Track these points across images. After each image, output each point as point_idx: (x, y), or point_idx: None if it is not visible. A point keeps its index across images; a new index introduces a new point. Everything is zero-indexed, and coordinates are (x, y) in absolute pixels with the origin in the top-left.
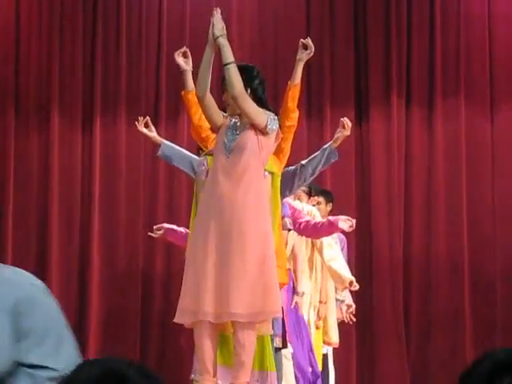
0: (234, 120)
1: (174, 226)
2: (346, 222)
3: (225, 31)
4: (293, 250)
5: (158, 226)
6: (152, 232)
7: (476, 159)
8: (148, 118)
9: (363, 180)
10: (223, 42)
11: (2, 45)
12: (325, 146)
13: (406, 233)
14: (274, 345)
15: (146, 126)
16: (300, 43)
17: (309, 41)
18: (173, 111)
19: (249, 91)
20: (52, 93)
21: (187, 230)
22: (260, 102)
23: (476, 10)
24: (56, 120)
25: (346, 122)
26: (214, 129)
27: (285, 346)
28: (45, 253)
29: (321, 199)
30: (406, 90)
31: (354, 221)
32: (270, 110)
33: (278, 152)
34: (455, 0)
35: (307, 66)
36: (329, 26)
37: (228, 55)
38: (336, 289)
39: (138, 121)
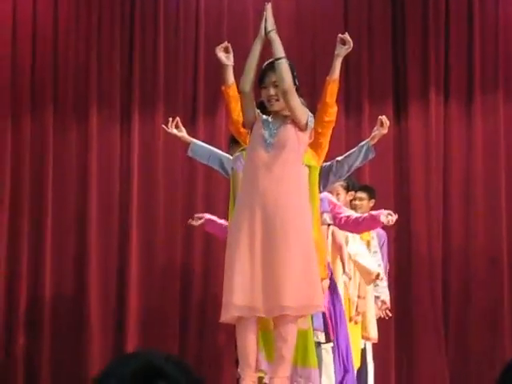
0: (265, 116)
1: (215, 218)
2: (387, 216)
3: (275, 26)
4: (335, 240)
5: (200, 214)
6: (193, 220)
7: None
8: (178, 118)
9: (401, 177)
10: (274, 36)
11: (41, 42)
12: (362, 143)
13: (445, 229)
14: (315, 339)
15: (177, 126)
16: (338, 38)
17: (347, 36)
18: (211, 107)
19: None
20: (90, 89)
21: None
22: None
23: None
24: (94, 117)
25: (384, 120)
26: (247, 124)
27: (328, 340)
28: (84, 250)
29: (363, 195)
30: (444, 87)
31: (395, 215)
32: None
33: (316, 147)
34: None
35: (345, 62)
36: (367, 22)
37: (280, 50)
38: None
39: (172, 119)
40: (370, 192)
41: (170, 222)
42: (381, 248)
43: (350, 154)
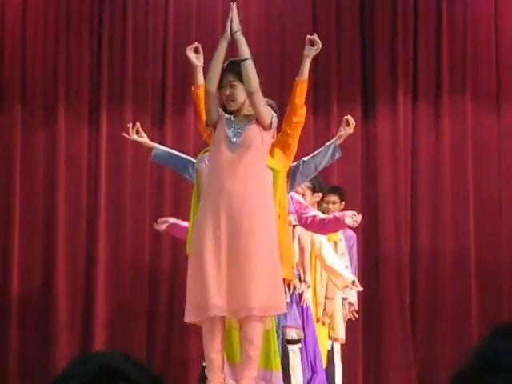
0: (228, 116)
1: (179, 221)
2: (352, 217)
3: (240, 26)
4: (299, 242)
5: (163, 218)
6: (157, 224)
7: (482, 156)
8: (138, 124)
9: (369, 177)
10: (240, 37)
11: (9, 41)
12: (328, 143)
13: (413, 229)
14: (287, 337)
15: (137, 132)
16: (307, 39)
17: (315, 37)
18: (179, 108)
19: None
20: (58, 88)
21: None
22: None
23: (482, 7)
24: (62, 115)
25: (350, 119)
26: (211, 123)
27: (299, 338)
28: (51, 250)
29: (335, 198)
30: (413, 88)
31: (359, 216)
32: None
33: (284, 148)
34: None
35: (314, 62)
36: (335, 22)
37: (246, 51)
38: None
39: (132, 126)
40: (341, 194)
41: (139, 221)
42: (350, 249)
43: (317, 153)
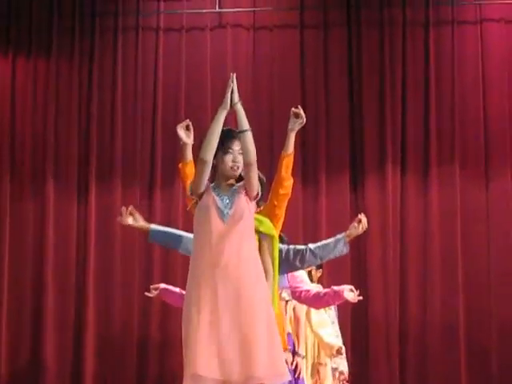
0: (212, 184)
1: (171, 287)
2: (350, 292)
3: (240, 97)
4: (294, 313)
5: (155, 285)
6: (149, 292)
7: (471, 227)
8: (131, 206)
9: (358, 247)
10: (240, 108)
11: None
12: (338, 236)
13: (402, 300)
14: None
15: (131, 214)
16: (291, 112)
17: (300, 110)
18: (168, 180)
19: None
20: (47, 160)
21: (183, 292)
22: None
23: (469, 79)
24: (51, 187)
25: (364, 220)
26: (197, 193)
27: None
28: (40, 318)
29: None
30: (401, 158)
31: (357, 291)
32: None
33: (272, 218)
34: (449, 70)
35: (302, 133)
36: (324, 92)
37: (245, 122)
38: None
39: (126, 209)
40: None
41: (128, 291)
42: (339, 319)
43: (325, 245)
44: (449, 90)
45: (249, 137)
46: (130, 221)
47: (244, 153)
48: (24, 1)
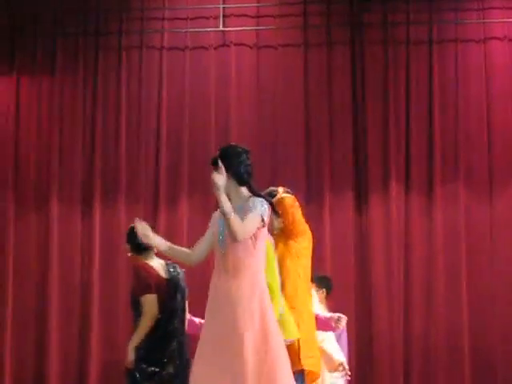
0: (218, 213)
1: (190, 316)
2: (335, 322)
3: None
4: None
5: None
6: None
7: (475, 244)
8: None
9: (363, 266)
10: (221, 194)
11: (2, 131)
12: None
13: (406, 317)
14: None
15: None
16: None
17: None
18: (172, 198)
19: (230, 173)
20: (51, 178)
21: (202, 321)
22: (244, 184)
23: (473, 97)
24: (55, 205)
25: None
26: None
27: None
28: (44, 337)
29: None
30: (405, 177)
31: (344, 319)
32: (254, 193)
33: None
34: (453, 88)
35: (306, 150)
36: (327, 111)
37: (228, 209)
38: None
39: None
40: (319, 282)
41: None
42: (339, 338)
43: None
44: (452, 107)
45: (231, 220)
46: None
47: (230, 234)
48: (28, 20)
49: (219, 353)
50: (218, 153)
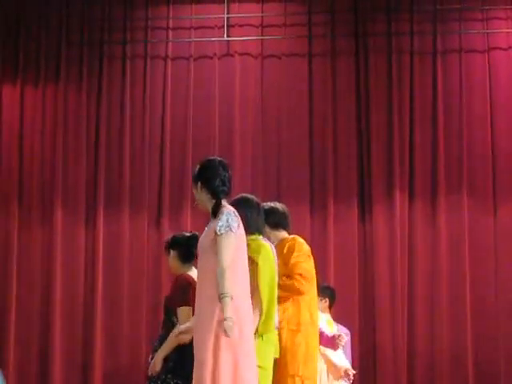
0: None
1: None
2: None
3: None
4: None
5: None
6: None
7: (479, 254)
8: None
9: (366, 276)
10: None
11: (7, 139)
12: None
13: (410, 329)
14: None
15: None
16: None
17: None
18: (176, 205)
19: (199, 185)
20: (55, 187)
21: None
22: (213, 193)
23: (477, 107)
24: (59, 214)
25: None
26: None
27: None
28: (47, 346)
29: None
30: (409, 187)
31: (345, 338)
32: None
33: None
34: (457, 98)
35: (310, 160)
36: (332, 120)
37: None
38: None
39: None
40: (321, 291)
41: (135, 320)
42: (344, 347)
43: None
44: (457, 117)
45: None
46: None
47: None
48: (32, 29)
49: None
50: (197, 167)
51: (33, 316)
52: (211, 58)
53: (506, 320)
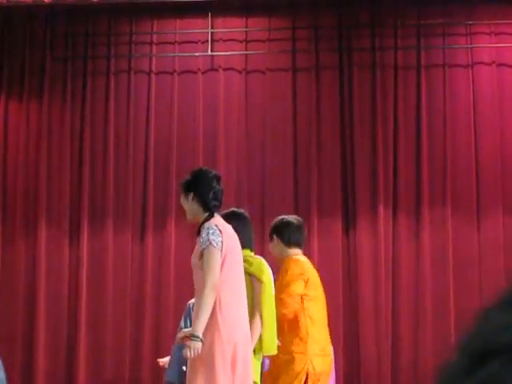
0: None
1: None
2: None
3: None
4: None
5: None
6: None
7: (463, 269)
8: None
9: (350, 290)
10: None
11: None
12: None
13: (395, 343)
14: None
15: None
16: None
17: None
18: (160, 221)
19: (192, 195)
20: (39, 203)
21: None
22: (205, 206)
23: (461, 121)
24: (43, 229)
25: None
26: None
27: None
28: (31, 362)
29: None
30: (393, 201)
31: None
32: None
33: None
34: (440, 113)
35: (294, 175)
36: (316, 135)
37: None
38: None
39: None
40: None
41: (119, 334)
42: None
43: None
44: (440, 132)
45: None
46: None
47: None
48: (16, 43)
49: None
50: (189, 176)
51: (16, 331)
52: (195, 72)
53: None
